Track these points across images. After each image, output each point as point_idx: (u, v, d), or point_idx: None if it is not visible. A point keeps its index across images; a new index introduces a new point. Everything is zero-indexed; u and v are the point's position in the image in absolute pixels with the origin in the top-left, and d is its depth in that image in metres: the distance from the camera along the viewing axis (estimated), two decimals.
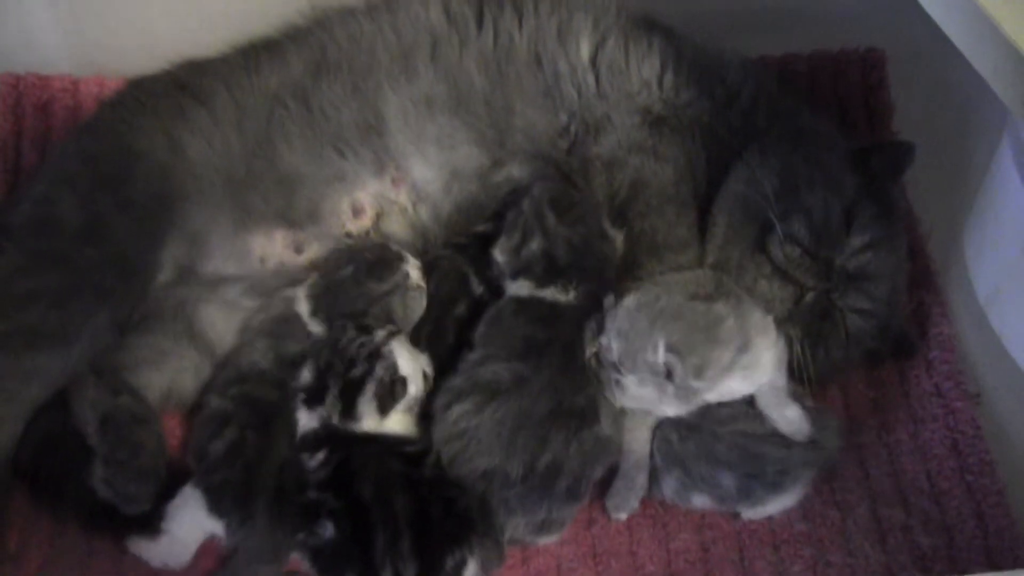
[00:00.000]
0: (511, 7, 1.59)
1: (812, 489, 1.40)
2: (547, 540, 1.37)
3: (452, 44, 1.56)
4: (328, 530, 1.28)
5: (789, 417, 1.37)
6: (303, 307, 1.47)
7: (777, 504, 1.39)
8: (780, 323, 1.43)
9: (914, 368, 1.55)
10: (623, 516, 1.40)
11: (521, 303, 1.42)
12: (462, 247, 1.52)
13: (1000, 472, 1.42)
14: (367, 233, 1.55)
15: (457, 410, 1.34)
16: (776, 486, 1.36)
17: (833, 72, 1.83)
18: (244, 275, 1.54)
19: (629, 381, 1.33)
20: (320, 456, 1.35)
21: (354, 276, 1.46)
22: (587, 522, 1.41)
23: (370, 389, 1.36)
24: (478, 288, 1.49)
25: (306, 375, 1.40)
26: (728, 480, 1.36)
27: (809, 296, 1.43)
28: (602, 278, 1.44)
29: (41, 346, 1.37)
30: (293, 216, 1.54)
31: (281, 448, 1.36)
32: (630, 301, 1.35)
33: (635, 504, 1.40)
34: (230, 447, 1.35)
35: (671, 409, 1.35)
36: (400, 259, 1.47)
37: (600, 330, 1.37)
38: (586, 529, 1.40)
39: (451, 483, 1.31)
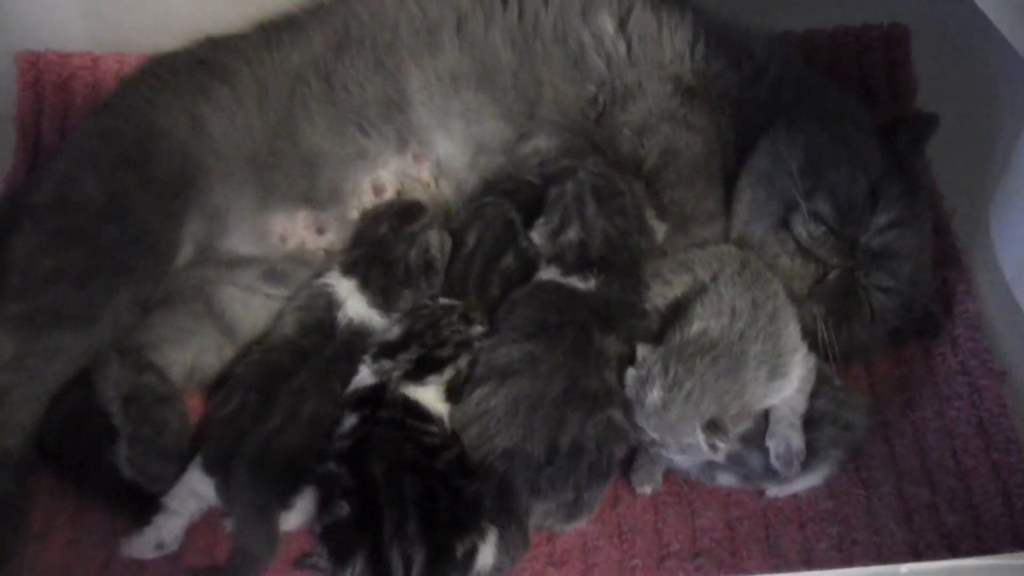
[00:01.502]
0: None
1: (838, 467, 1.40)
2: (576, 525, 1.36)
3: (478, 19, 1.55)
4: (344, 509, 1.27)
5: (792, 444, 1.34)
6: (334, 274, 1.49)
7: (803, 482, 1.38)
8: (802, 300, 1.42)
9: (939, 346, 1.54)
10: (648, 491, 1.40)
11: (540, 286, 1.42)
12: (509, 192, 1.51)
13: None
14: None
15: (478, 394, 1.35)
16: (803, 466, 1.35)
17: (856, 48, 1.82)
18: (262, 255, 1.54)
19: (677, 459, 1.34)
20: (353, 420, 1.35)
21: (391, 228, 1.49)
22: (612, 500, 1.41)
23: (448, 372, 1.37)
24: (525, 240, 1.47)
25: (395, 331, 1.41)
26: (755, 460, 1.35)
27: (832, 274, 1.43)
28: (630, 272, 1.43)
29: (64, 325, 1.37)
30: (316, 196, 1.53)
31: (278, 414, 1.36)
32: (655, 398, 1.30)
33: (659, 478, 1.40)
34: (233, 412, 1.37)
35: (722, 455, 1.32)
36: (421, 203, 1.52)
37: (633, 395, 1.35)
38: (611, 507, 1.40)
39: (461, 474, 1.31)
